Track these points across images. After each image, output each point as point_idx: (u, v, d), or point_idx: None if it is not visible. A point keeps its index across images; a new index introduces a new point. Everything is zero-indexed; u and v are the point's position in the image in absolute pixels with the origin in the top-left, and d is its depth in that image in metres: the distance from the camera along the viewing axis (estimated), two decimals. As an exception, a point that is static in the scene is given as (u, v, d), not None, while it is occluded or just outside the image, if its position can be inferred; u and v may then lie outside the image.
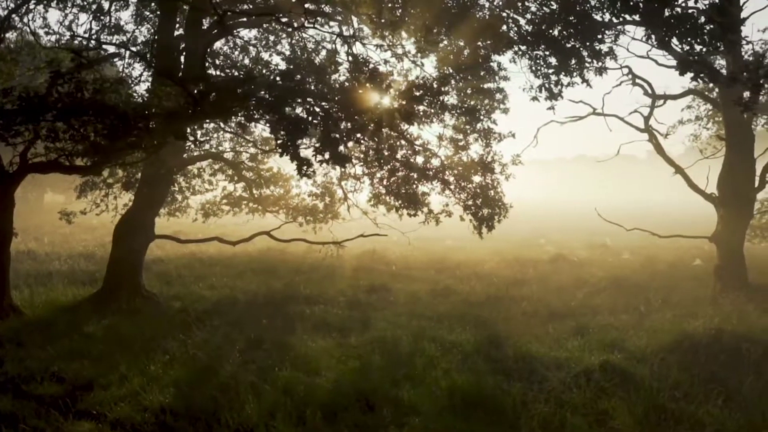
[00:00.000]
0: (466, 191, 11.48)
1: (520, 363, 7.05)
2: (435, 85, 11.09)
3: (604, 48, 7.78)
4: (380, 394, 5.97)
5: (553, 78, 8.01)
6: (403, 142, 11.57)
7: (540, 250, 18.91)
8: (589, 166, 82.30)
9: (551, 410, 5.69)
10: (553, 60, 7.60)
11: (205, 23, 11.23)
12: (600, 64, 7.55)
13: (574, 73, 7.65)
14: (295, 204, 16.38)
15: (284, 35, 15.21)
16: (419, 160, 12.41)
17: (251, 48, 15.68)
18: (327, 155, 5.76)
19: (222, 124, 11.05)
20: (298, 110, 6.30)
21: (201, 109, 5.85)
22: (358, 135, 6.93)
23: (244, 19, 11.05)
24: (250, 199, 16.11)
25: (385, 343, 8.13)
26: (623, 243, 20.06)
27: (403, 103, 10.50)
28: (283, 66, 12.61)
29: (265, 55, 15.46)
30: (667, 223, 24.97)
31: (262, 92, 6.51)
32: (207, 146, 15.89)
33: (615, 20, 6.49)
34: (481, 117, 11.37)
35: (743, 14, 11.85)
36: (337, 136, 5.92)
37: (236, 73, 13.85)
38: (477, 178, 11.48)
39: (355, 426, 5.39)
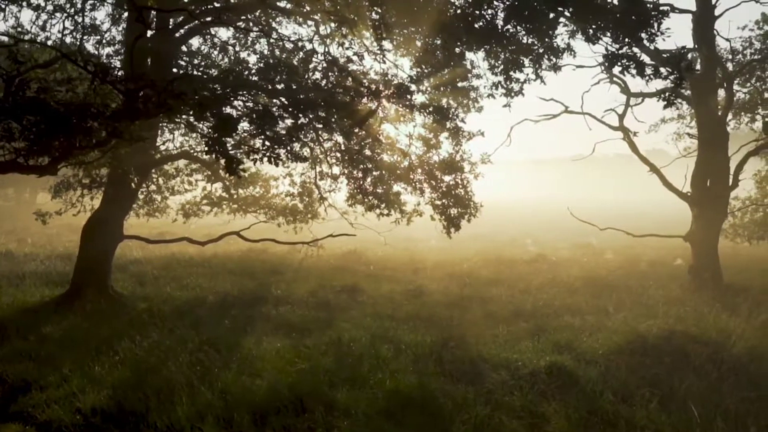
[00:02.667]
0: (437, 190, 11.41)
1: (469, 365, 6.96)
2: (406, 84, 11.04)
3: (561, 44, 7.65)
4: (317, 396, 5.89)
5: (512, 75, 7.88)
6: (371, 140, 11.55)
7: (522, 250, 18.78)
8: (588, 165, 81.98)
9: (488, 413, 5.60)
10: (507, 56, 7.47)
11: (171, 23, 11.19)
12: (555, 60, 7.42)
13: (529, 71, 7.52)
14: (275, 204, 16.37)
15: (262, 35, 15.19)
16: (389, 159, 12.41)
17: (230, 48, 15.67)
18: (260, 154, 5.71)
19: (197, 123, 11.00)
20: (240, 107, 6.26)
21: (135, 107, 5.79)
22: (300, 133, 6.84)
23: (209, 18, 10.98)
24: (229, 200, 16.10)
25: (341, 345, 8.06)
26: (610, 243, 19.89)
27: (374, 101, 10.46)
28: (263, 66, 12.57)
29: (243, 55, 15.47)
30: (661, 222, 24.76)
31: (206, 91, 6.45)
32: (186, 146, 15.95)
33: (551, 14, 6.39)
34: (451, 116, 11.29)
35: (717, 11, 11.80)
36: (271, 134, 5.85)
37: (215, 72, 13.79)
38: (447, 177, 11.40)
39: (283, 428, 5.32)
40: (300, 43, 14.10)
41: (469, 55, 10.47)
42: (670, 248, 17.99)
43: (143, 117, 6.19)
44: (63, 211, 14.35)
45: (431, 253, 18.13)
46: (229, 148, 5.67)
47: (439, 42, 8.26)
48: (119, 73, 7.14)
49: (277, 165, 6.04)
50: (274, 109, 6.23)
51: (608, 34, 5.86)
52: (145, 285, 12.87)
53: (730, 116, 16.11)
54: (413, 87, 11.41)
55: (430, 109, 11.33)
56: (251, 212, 16.49)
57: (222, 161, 5.43)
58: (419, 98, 11.59)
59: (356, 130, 11.15)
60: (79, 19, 13.35)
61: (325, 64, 11.28)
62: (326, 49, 13.38)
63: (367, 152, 12.30)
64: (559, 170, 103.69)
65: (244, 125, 7.31)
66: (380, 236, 14.74)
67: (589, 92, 15.44)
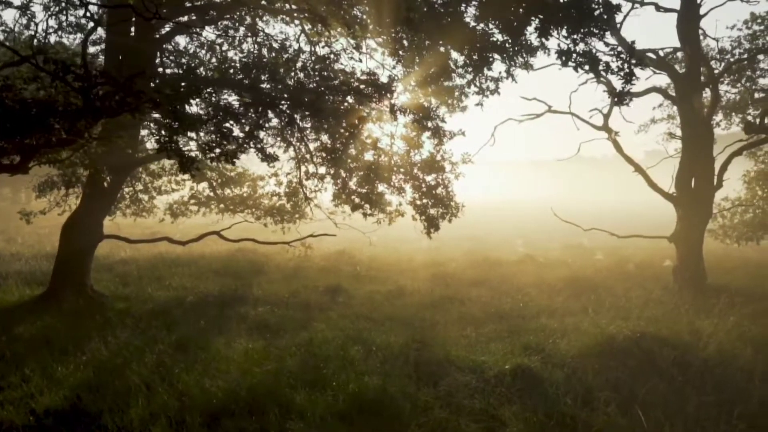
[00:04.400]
0: (418, 190, 11.33)
1: (436, 366, 6.87)
2: (385, 82, 10.98)
3: (535, 42, 7.54)
4: (275, 398, 5.81)
5: (486, 72, 7.79)
6: (353, 139, 11.48)
7: (511, 251, 18.65)
8: (587, 166, 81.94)
9: (447, 416, 5.51)
10: (477, 54, 7.36)
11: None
12: (527, 58, 7.31)
13: (502, 67, 7.43)
14: (263, 204, 16.31)
15: (250, 34, 15.14)
16: (372, 158, 12.32)
17: (217, 47, 15.62)
18: (217, 151, 5.63)
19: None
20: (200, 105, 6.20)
21: (94, 105, 5.72)
22: (261, 132, 6.76)
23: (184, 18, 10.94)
24: (216, 200, 16.05)
25: (311, 346, 7.98)
26: (601, 244, 19.75)
27: (354, 100, 10.40)
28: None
29: (231, 54, 15.43)
30: (658, 223, 24.56)
31: (168, 89, 6.38)
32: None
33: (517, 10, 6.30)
34: (432, 115, 11.21)
35: (702, 10, 11.67)
36: (232, 132, 5.78)
37: (202, 71, 13.72)
38: (428, 177, 11.32)
39: (236, 430, 5.24)
40: (287, 43, 14.06)
41: (453, 54, 10.41)
42: (661, 249, 17.84)
43: (106, 115, 6.11)
44: (47, 211, 14.35)
45: (420, 253, 18.04)
46: (185, 147, 5.62)
47: (405, 38, 8.15)
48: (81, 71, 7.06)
49: (233, 164, 5.97)
50: (236, 106, 6.17)
51: (560, 30, 5.75)
52: (129, 285, 12.83)
53: (720, 116, 16.00)
54: (396, 86, 11.36)
55: (412, 108, 11.28)
56: (239, 212, 16.44)
57: (176, 160, 5.38)
58: (402, 98, 11.57)
59: (341, 130, 11.10)
60: (63, 18, 13.33)
61: (307, 63, 11.24)
62: (312, 49, 13.38)
63: (351, 151, 12.26)
64: (561, 171, 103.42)
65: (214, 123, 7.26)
66: (367, 236, 14.67)
67: (576, 92, 15.24)
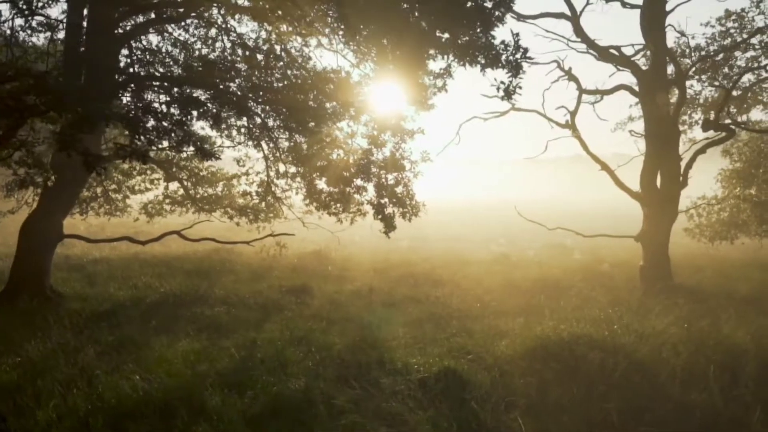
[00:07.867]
0: (379, 189, 11.23)
1: (365, 369, 6.75)
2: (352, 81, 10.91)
3: (482, 39, 7.38)
4: (188, 400, 5.71)
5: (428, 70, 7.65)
6: (315, 139, 11.41)
7: (488, 250, 18.48)
8: (586, 165, 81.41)
9: (360, 420, 5.40)
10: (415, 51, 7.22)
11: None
12: (470, 56, 7.14)
13: (443, 63, 7.29)
14: (238, 203, 16.27)
15: (222, 32, 15.07)
16: (335, 158, 12.23)
17: (192, 46, 15.56)
18: (128, 150, 5.54)
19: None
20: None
21: (6, 104, 5.65)
22: (184, 131, 6.66)
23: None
24: (191, 199, 16.01)
25: (253, 347, 7.89)
26: (585, 244, 19.50)
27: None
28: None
29: (205, 52, 15.36)
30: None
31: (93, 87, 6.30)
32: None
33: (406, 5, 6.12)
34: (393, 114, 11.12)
35: (669, 6, 11.47)
36: (146, 131, 5.69)
37: (178, 70, 13.62)
38: (389, 177, 11.21)
39: (138, 434, 5.15)
40: (259, 41, 13.96)
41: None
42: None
43: (30, 115, 6.03)
44: (15, 210, 14.38)
45: (397, 253, 17.91)
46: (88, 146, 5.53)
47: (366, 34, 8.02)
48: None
49: (145, 163, 5.89)
50: (157, 104, 6.08)
51: (456, 25, 5.61)
52: (96, 284, 12.78)
53: (700, 114, 15.75)
54: (360, 83, 11.27)
55: (375, 106, 11.21)
56: (214, 211, 16.40)
57: (82, 159, 5.29)
58: (368, 95, 11.47)
59: (304, 129, 11.01)
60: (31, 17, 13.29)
61: (270, 61, 11.15)
62: (278, 47, 13.27)
63: (314, 150, 12.20)
64: (562, 169, 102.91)
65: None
66: (336, 236, 14.59)
67: (549, 89, 14.89)
